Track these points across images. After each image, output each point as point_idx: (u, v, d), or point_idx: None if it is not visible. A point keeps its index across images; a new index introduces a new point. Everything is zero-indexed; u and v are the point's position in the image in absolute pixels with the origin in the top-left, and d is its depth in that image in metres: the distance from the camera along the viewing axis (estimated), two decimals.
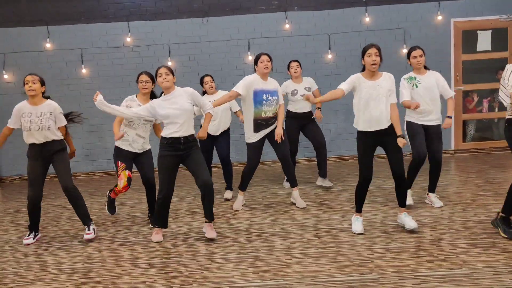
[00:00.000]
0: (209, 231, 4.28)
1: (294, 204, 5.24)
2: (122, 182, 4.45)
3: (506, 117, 3.97)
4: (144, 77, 4.59)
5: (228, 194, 5.69)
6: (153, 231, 4.42)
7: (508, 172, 6.19)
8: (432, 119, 4.71)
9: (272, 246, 4.01)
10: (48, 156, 4.40)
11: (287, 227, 4.50)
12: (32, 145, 4.36)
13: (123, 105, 4.64)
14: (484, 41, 7.53)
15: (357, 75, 4.09)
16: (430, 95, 4.64)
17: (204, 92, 5.75)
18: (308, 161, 7.63)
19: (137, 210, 5.44)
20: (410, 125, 4.77)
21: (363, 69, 4.09)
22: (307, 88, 5.83)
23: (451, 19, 7.45)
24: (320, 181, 6.02)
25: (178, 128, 4.13)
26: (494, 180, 5.82)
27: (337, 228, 4.38)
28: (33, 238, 4.50)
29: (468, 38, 7.58)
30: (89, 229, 4.46)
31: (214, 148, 5.79)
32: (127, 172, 4.50)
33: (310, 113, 5.87)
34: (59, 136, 4.46)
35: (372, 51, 3.94)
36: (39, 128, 4.29)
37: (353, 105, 4.14)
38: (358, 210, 4.31)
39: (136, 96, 4.68)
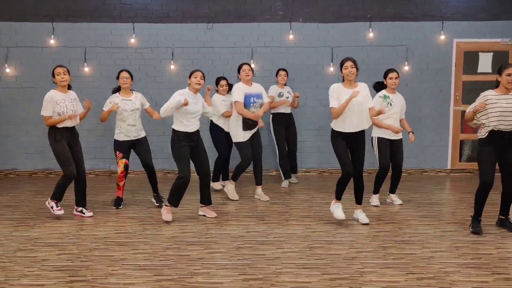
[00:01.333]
0: (210, 212, 5.20)
1: (259, 199, 5.93)
2: (120, 169, 5.47)
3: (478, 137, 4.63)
4: (125, 74, 5.49)
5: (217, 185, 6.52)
6: (164, 209, 5.00)
7: None
8: (398, 134, 5.45)
9: (263, 255, 4.01)
10: (72, 139, 5.14)
11: (279, 236, 4.50)
12: (63, 129, 5.01)
13: (107, 103, 5.49)
14: (485, 63, 7.59)
15: (337, 84, 4.74)
16: (400, 113, 5.51)
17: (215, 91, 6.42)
18: (305, 171, 7.63)
19: (131, 211, 5.43)
20: (381, 140, 5.48)
21: (343, 80, 4.77)
22: (289, 92, 6.81)
23: (454, 39, 7.51)
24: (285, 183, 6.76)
25: (195, 122, 4.96)
26: (488, 202, 5.77)
27: (329, 240, 4.38)
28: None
29: (470, 59, 7.63)
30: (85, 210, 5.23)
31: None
32: (124, 160, 5.46)
33: (291, 115, 6.84)
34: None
35: (348, 64, 4.62)
36: (72, 112, 5.02)
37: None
38: (339, 198, 4.89)
39: (119, 93, 5.55)
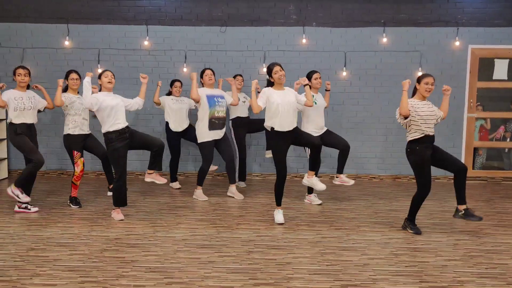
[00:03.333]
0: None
1: (232, 197, 6.20)
2: (79, 168, 5.69)
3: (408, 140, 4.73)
4: (74, 75, 5.80)
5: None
6: (115, 211, 5.18)
7: None
8: None
9: (274, 260, 3.98)
10: (30, 136, 5.37)
11: (290, 241, 4.47)
12: (22, 124, 5.29)
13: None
14: (501, 69, 7.51)
15: (268, 88, 5.04)
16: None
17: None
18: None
19: (141, 213, 5.44)
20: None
21: (272, 84, 5.05)
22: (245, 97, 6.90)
23: (469, 45, 7.43)
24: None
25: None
26: (502, 210, 5.75)
27: (341, 246, 4.34)
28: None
29: (485, 66, 7.55)
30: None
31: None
32: (82, 159, 5.75)
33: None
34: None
35: (278, 68, 4.97)
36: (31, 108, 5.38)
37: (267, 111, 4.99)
38: (279, 204, 5.12)
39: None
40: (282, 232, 4.76)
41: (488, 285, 3.52)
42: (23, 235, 4.54)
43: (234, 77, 6.72)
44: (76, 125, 5.71)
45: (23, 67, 5.38)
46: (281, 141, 4.96)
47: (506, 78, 7.47)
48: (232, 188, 6.26)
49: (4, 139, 7.53)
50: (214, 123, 5.93)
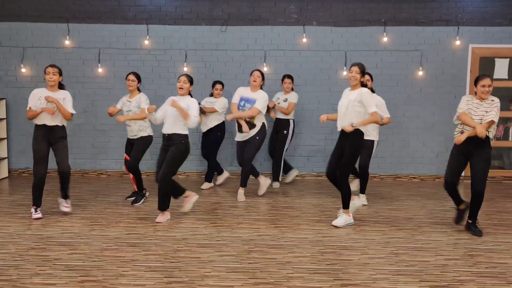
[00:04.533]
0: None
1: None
2: None
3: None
4: (131, 77, 5.72)
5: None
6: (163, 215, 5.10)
7: None
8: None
9: (274, 259, 3.98)
10: (53, 138, 5.11)
11: (290, 240, 4.47)
12: (41, 126, 5.06)
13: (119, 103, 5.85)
14: (501, 69, 7.49)
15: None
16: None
17: (211, 95, 6.77)
18: (316, 175, 7.58)
19: (141, 212, 5.44)
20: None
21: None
22: (284, 99, 6.79)
23: (470, 44, 7.42)
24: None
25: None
26: (503, 210, 5.74)
27: (341, 245, 4.34)
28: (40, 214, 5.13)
29: (485, 65, 7.54)
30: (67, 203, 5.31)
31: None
32: (125, 154, 5.82)
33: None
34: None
35: (354, 68, 4.81)
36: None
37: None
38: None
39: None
40: (282, 231, 4.76)
41: (488, 284, 3.51)
42: (23, 235, 4.54)
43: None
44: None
45: (52, 66, 5.13)
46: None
47: (506, 77, 7.46)
48: (240, 190, 6.10)
49: (5, 138, 7.53)
50: (239, 126, 5.95)
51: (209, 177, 6.79)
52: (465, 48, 7.42)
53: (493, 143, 8.10)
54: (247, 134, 5.90)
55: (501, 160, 8.24)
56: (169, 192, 5.04)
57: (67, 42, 7.47)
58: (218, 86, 6.70)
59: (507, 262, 3.95)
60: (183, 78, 5.12)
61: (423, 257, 4.05)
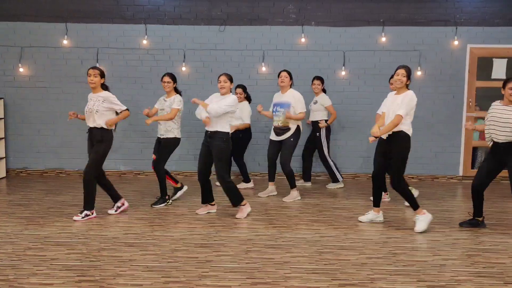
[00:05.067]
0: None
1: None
2: None
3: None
4: (166, 78, 5.67)
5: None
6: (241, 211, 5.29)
7: None
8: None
9: (272, 259, 3.97)
10: (94, 139, 5.13)
11: (288, 240, 4.46)
12: (88, 128, 5.16)
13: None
14: (499, 69, 7.50)
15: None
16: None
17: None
18: (314, 175, 7.57)
19: (139, 212, 5.43)
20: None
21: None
22: (314, 101, 6.85)
23: (468, 45, 7.43)
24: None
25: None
26: (501, 210, 5.74)
27: (339, 245, 4.34)
28: (82, 217, 5.05)
29: (484, 65, 7.54)
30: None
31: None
32: (154, 155, 5.80)
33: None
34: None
35: (400, 71, 4.70)
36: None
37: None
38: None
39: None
40: (280, 231, 4.75)
41: (486, 284, 3.51)
42: (20, 234, 4.53)
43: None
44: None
45: (94, 68, 5.12)
46: None
47: (504, 77, 7.43)
48: (270, 188, 6.31)
49: (2, 138, 7.52)
50: (275, 131, 6.07)
51: (245, 178, 6.90)
52: (463, 48, 7.43)
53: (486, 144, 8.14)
54: (283, 136, 5.97)
55: None
56: (232, 187, 5.14)
57: (65, 42, 7.47)
58: (238, 90, 6.69)
59: (504, 262, 3.95)
60: (223, 78, 5.16)
61: (420, 257, 4.05)
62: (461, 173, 7.66)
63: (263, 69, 7.48)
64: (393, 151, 4.71)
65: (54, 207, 5.56)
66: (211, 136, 5.09)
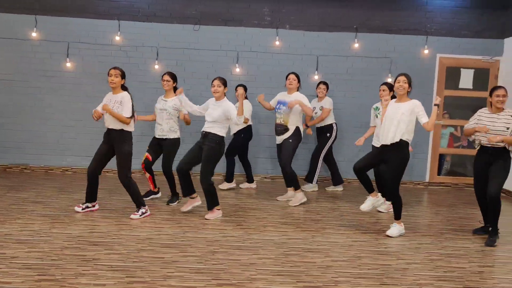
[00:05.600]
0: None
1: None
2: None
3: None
4: (166, 77, 5.68)
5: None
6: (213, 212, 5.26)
7: (478, 209, 6.27)
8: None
9: (239, 260, 3.97)
10: (111, 140, 5.00)
11: (256, 242, 4.47)
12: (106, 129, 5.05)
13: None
14: (466, 79, 7.71)
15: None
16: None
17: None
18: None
19: (106, 210, 5.33)
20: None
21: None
22: (320, 107, 6.85)
23: (437, 54, 7.62)
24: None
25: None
26: (464, 216, 5.90)
27: (305, 248, 4.36)
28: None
29: (452, 75, 7.75)
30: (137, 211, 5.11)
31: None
32: (146, 153, 5.74)
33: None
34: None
35: (401, 78, 4.79)
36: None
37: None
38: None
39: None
40: (248, 233, 4.75)
41: (446, 287, 3.61)
42: None
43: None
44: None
45: (115, 68, 5.00)
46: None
47: (471, 87, 7.68)
48: (289, 193, 6.23)
49: None
50: (275, 129, 6.11)
51: (249, 178, 7.00)
52: (433, 57, 7.61)
53: (458, 150, 8.36)
54: (282, 136, 5.98)
55: (464, 167, 8.50)
56: (213, 190, 5.14)
57: (34, 34, 7.28)
58: (239, 89, 6.67)
59: (464, 267, 4.06)
60: (217, 82, 5.13)
61: (384, 261, 4.12)
62: (427, 180, 7.83)
63: (237, 70, 7.48)
64: (393, 158, 4.73)
65: (16, 204, 5.41)
66: (206, 136, 5.10)
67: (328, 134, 6.84)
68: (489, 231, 4.84)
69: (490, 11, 7.52)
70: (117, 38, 7.37)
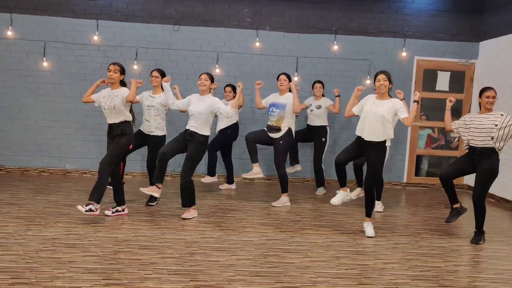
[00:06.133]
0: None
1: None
2: None
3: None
4: (155, 73, 5.70)
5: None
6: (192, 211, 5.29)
7: None
8: None
9: (217, 261, 3.96)
10: (113, 134, 4.99)
11: (235, 243, 4.46)
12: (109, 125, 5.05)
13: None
14: (443, 81, 7.85)
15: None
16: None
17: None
18: (266, 179, 7.62)
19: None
20: None
21: None
22: (317, 106, 6.84)
23: (415, 56, 7.73)
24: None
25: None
26: (440, 216, 5.99)
27: (284, 248, 4.38)
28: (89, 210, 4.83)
29: (429, 77, 7.88)
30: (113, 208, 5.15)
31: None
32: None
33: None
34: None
35: (381, 77, 4.80)
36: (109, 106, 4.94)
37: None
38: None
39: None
40: (227, 234, 4.74)
41: (421, 287, 3.65)
42: None
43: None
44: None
45: (114, 63, 4.97)
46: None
47: (447, 89, 7.82)
48: (283, 197, 6.14)
49: None
50: (267, 129, 6.07)
51: (229, 179, 7.02)
52: (410, 60, 7.73)
53: (435, 151, 8.48)
54: (275, 134, 5.96)
55: (442, 168, 8.63)
56: (191, 187, 5.14)
57: (9, 33, 7.13)
58: (227, 88, 6.79)
59: (440, 266, 4.13)
60: (204, 76, 5.19)
61: (362, 261, 4.16)
62: (405, 180, 7.94)
63: (217, 70, 7.46)
64: (373, 155, 4.84)
65: None
66: (191, 135, 5.12)
67: (323, 139, 6.84)
68: (474, 232, 4.94)
69: (466, 15, 7.68)
70: (95, 37, 7.28)
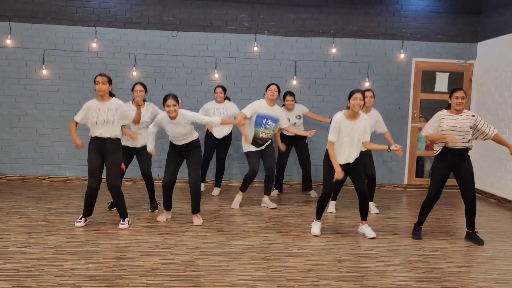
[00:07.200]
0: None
1: (266, 207, 6.20)
2: None
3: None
4: (138, 87, 5.52)
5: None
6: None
7: (455, 210, 6.40)
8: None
9: (219, 266, 3.95)
10: (106, 150, 4.89)
11: (236, 248, 4.46)
12: (94, 139, 4.88)
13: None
14: (441, 82, 7.87)
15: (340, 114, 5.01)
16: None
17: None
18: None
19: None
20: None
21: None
22: (297, 116, 6.76)
23: (413, 58, 7.75)
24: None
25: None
26: (441, 217, 5.99)
27: (286, 252, 4.37)
28: (83, 222, 4.99)
29: (427, 78, 7.89)
30: (123, 221, 5.05)
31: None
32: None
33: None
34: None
35: (358, 95, 4.72)
36: (105, 121, 4.82)
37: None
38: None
39: (132, 102, 5.63)
40: (228, 238, 4.74)
41: None
42: None
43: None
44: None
45: (102, 75, 4.82)
46: None
47: (446, 90, 7.82)
48: (265, 199, 6.23)
49: None
50: (257, 143, 5.87)
51: (217, 182, 6.98)
52: (409, 61, 7.74)
53: (432, 153, 8.45)
54: (265, 144, 5.93)
55: None
56: (200, 192, 5.30)
57: (8, 42, 7.15)
58: (218, 89, 6.66)
59: (442, 267, 4.12)
60: (172, 102, 4.94)
61: (364, 263, 4.16)
62: (405, 182, 7.94)
63: (216, 76, 7.47)
64: (358, 166, 4.99)
65: None
66: (187, 146, 5.17)
67: (306, 141, 6.89)
68: (473, 233, 4.93)
69: (464, 16, 7.70)
70: (94, 44, 7.29)
